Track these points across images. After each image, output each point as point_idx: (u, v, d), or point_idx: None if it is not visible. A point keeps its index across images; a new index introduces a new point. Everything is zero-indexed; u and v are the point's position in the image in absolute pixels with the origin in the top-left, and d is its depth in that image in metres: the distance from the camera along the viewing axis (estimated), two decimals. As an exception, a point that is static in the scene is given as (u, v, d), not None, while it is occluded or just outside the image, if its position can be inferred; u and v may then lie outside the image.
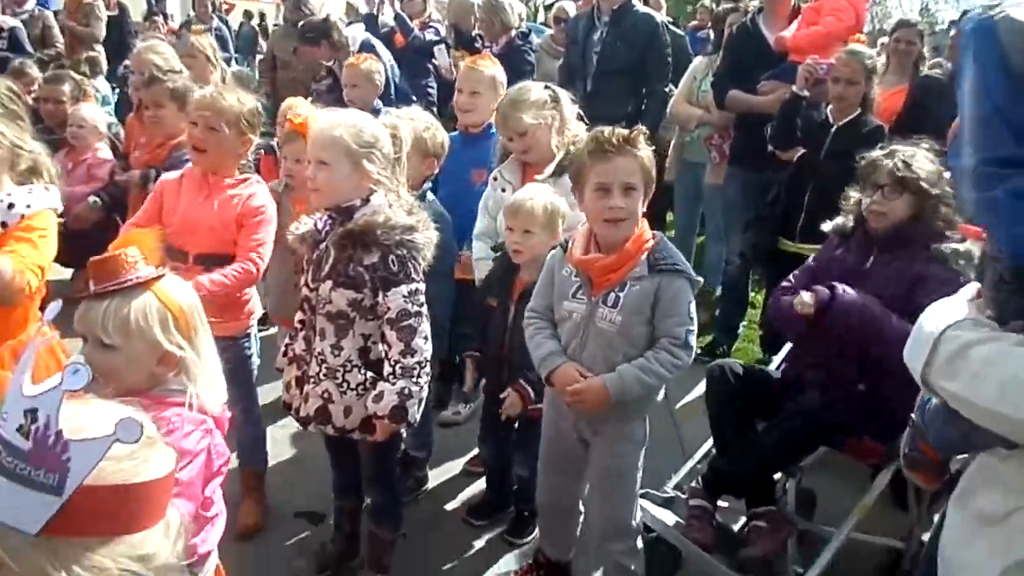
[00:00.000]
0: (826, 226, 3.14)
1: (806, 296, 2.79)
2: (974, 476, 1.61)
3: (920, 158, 2.87)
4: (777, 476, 2.97)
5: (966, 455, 1.68)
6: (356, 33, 6.38)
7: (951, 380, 1.48)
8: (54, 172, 2.53)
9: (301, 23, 6.29)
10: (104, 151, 4.82)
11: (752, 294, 5.28)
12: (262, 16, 17.77)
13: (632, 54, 4.69)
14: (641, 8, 4.79)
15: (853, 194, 3.06)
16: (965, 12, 4.92)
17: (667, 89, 4.90)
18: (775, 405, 2.92)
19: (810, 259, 3.18)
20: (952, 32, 4.20)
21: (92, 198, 4.49)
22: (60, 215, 4.11)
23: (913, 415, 1.85)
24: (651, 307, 2.39)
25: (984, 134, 1.54)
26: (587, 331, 2.46)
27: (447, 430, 3.85)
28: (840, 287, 2.77)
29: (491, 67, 3.68)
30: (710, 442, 3.11)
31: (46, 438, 0.81)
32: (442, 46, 6.49)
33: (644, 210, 2.44)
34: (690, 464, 3.15)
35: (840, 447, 2.90)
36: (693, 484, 2.90)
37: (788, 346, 3.28)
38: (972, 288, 1.67)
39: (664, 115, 5.11)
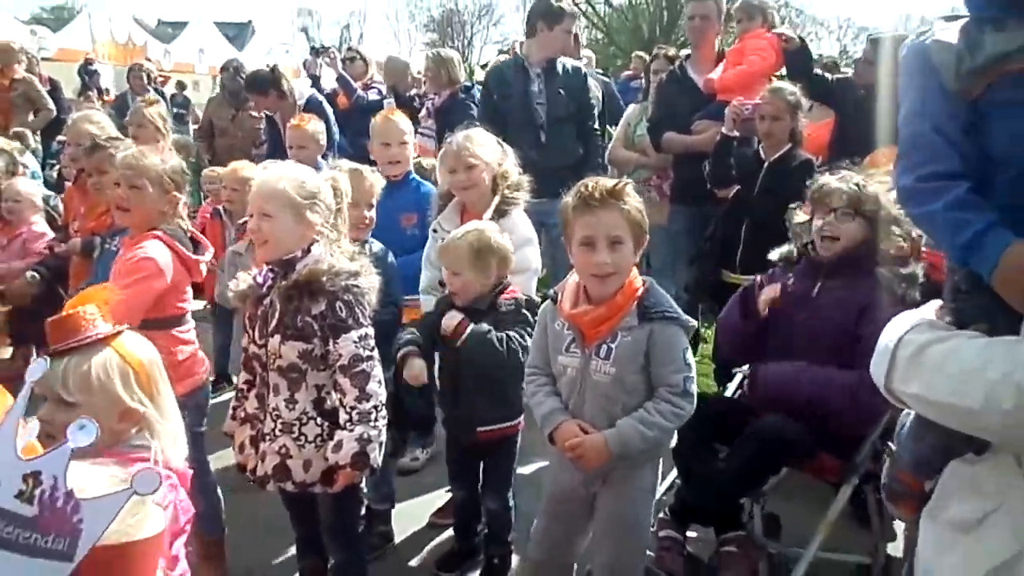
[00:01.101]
0: (772, 254, 3.20)
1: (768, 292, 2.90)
2: (946, 484, 1.61)
3: (876, 180, 2.94)
4: (742, 501, 2.99)
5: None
6: (303, 88, 6.46)
7: (910, 383, 1.50)
8: None
9: (248, 73, 6.38)
10: (40, 224, 4.72)
11: (703, 329, 5.36)
12: (196, 85, 17.78)
13: (572, 103, 4.86)
14: (565, 59, 4.98)
15: (798, 218, 3.14)
16: (870, 35, 5.16)
17: (595, 127, 5.07)
18: (735, 430, 2.95)
19: (749, 282, 3.23)
20: (864, 49, 4.43)
21: (30, 272, 4.38)
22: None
23: (890, 444, 1.88)
24: (644, 355, 2.34)
25: (922, 152, 1.62)
26: (583, 385, 2.42)
27: (408, 479, 3.79)
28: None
29: (403, 119, 3.88)
30: (674, 472, 3.12)
31: (54, 500, 0.77)
32: (391, 102, 6.60)
33: (636, 260, 2.40)
34: (656, 495, 3.15)
35: (800, 467, 2.93)
36: (661, 515, 2.90)
37: (739, 377, 3.33)
38: (932, 305, 1.72)
39: (601, 152, 5.24)
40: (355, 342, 2.40)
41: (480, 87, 5.62)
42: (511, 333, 2.77)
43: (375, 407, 2.41)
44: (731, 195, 4.28)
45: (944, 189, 1.59)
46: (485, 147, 3.26)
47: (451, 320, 2.82)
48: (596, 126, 5.03)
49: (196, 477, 2.93)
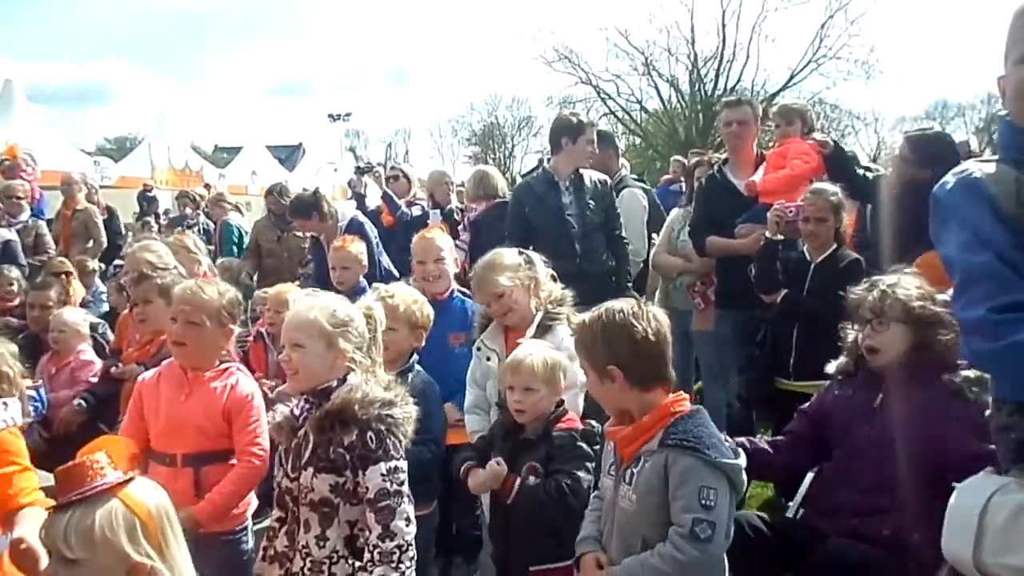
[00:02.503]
0: (829, 368, 3.10)
1: None
2: None
3: (904, 283, 2.85)
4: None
5: None
6: (346, 209, 6.63)
7: (1014, 554, 1.33)
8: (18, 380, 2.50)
9: (292, 198, 6.58)
10: (88, 353, 4.80)
11: (759, 435, 5.14)
12: (248, 205, 18.42)
13: (600, 213, 4.93)
14: (592, 173, 5.09)
15: (850, 333, 3.02)
16: (906, 132, 5.10)
17: (622, 235, 5.11)
18: (801, 554, 2.75)
19: (806, 405, 3.10)
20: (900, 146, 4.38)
21: (77, 400, 4.42)
22: (43, 422, 4.06)
23: None
24: (664, 487, 2.17)
25: (990, 283, 1.53)
26: (613, 511, 2.32)
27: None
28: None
29: (441, 236, 3.94)
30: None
31: None
32: (436, 213, 6.77)
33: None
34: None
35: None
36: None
37: (804, 487, 3.15)
38: (988, 469, 1.60)
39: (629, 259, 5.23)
40: (383, 475, 2.31)
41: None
42: (564, 480, 2.61)
43: (399, 547, 2.28)
44: (779, 299, 4.18)
45: (1020, 320, 1.48)
46: (508, 269, 3.24)
47: (496, 475, 2.68)
48: (623, 234, 5.09)
49: None
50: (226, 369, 2.94)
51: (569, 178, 4.93)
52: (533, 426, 2.75)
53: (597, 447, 2.72)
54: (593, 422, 2.86)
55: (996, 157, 1.69)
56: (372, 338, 2.53)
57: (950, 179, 1.70)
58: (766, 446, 3.04)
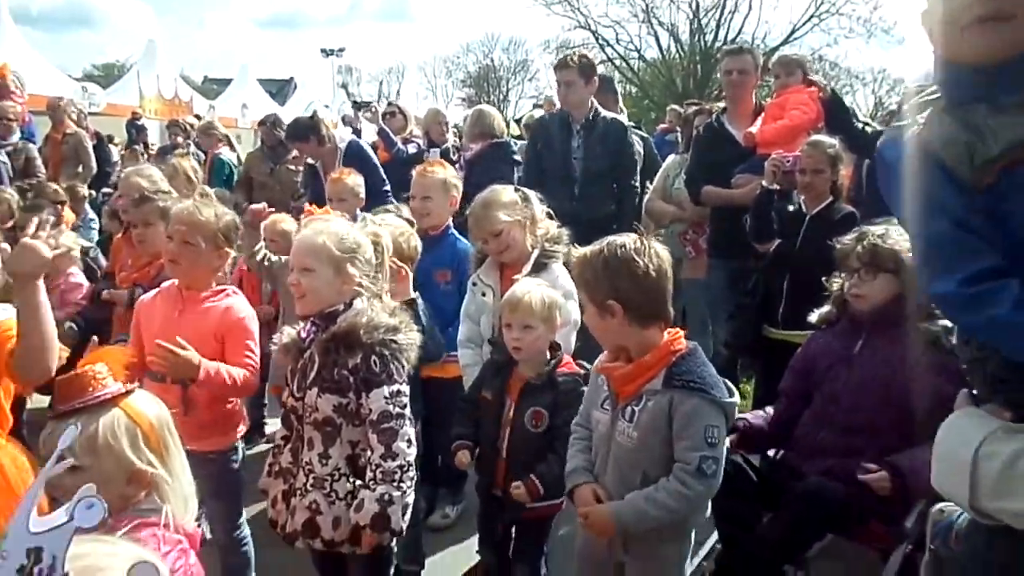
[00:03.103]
0: (812, 317, 3.16)
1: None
2: None
3: (893, 234, 2.90)
4: (785, 568, 2.87)
5: None
6: (343, 134, 6.56)
7: (1010, 499, 1.35)
8: None
9: (289, 122, 6.50)
10: (77, 276, 4.80)
11: (743, 383, 5.24)
12: (238, 139, 18.19)
13: (609, 157, 4.90)
14: (607, 114, 5.03)
15: (835, 281, 3.08)
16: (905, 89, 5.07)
17: (635, 184, 5.07)
18: (777, 493, 2.85)
19: (792, 360, 3.17)
20: (898, 103, 4.37)
21: (68, 324, 4.42)
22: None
23: (931, 544, 1.72)
24: (668, 425, 2.23)
25: (954, 252, 1.47)
26: (609, 445, 2.35)
27: (439, 540, 3.70)
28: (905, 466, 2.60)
29: (441, 171, 3.84)
30: (715, 536, 3.00)
31: None
32: (436, 152, 6.71)
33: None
34: (696, 560, 3.03)
35: (846, 533, 2.81)
36: (701, 582, 2.79)
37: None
38: (965, 396, 1.58)
39: (638, 209, 5.24)
40: (386, 398, 2.36)
41: (516, 141, 5.67)
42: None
43: (400, 467, 2.34)
44: (772, 249, 4.22)
45: (1001, 291, 1.42)
46: (505, 207, 3.24)
47: (520, 493, 2.67)
48: (635, 183, 5.03)
49: (228, 529, 2.95)
50: (222, 291, 2.96)
51: (583, 118, 4.87)
52: (533, 367, 2.78)
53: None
54: (586, 364, 2.92)
55: (936, 98, 1.59)
56: (379, 264, 2.56)
57: (895, 137, 1.61)
58: (762, 423, 3.12)
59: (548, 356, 2.80)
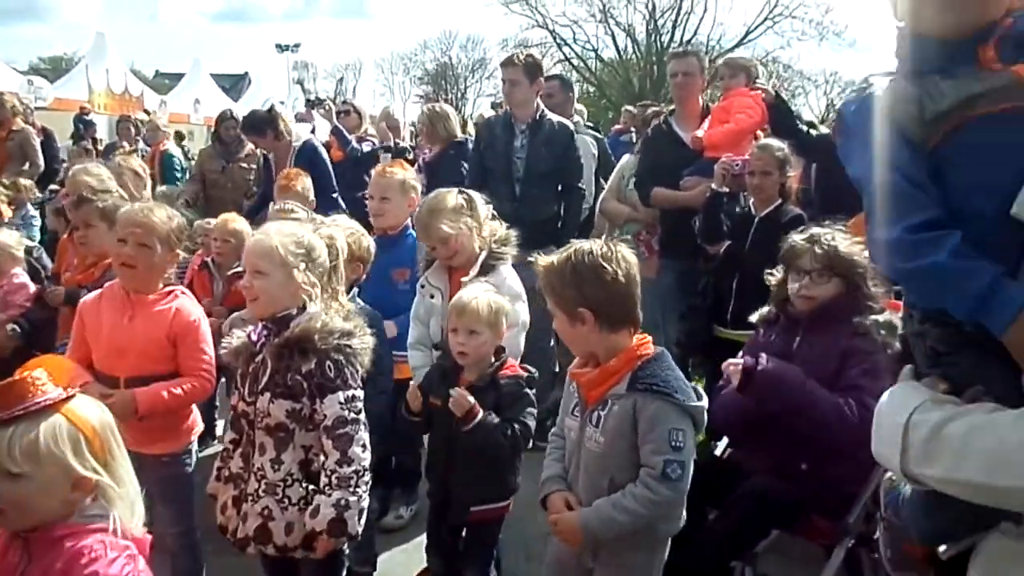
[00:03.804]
0: (753, 317, 3.23)
1: (734, 364, 2.84)
2: (990, 566, 1.51)
3: (840, 239, 2.97)
4: (733, 564, 2.92)
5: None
6: (301, 131, 6.48)
7: (932, 465, 1.42)
8: None
9: (246, 114, 6.42)
10: (21, 276, 4.67)
11: (693, 382, 5.31)
12: (190, 135, 17.90)
13: (554, 160, 4.88)
14: (555, 117, 5.04)
15: (773, 275, 3.15)
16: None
17: (581, 186, 5.09)
18: (724, 491, 2.91)
19: (739, 356, 3.23)
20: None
21: (10, 325, 4.31)
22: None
23: (883, 514, 1.78)
24: (633, 429, 2.22)
25: (902, 203, 1.54)
26: (579, 452, 2.34)
27: (391, 542, 3.70)
28: (763, 357, 2.80)
29: (400, 172, 3.85)
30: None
31: None
32: (387, 154, 6.67)
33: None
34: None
35: (791, 529, 2.89)
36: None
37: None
38: (908, 370, 1.65)
39: (582, 210, 5.25)
40: (341, 403, 2.36)
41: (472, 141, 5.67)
42: (516, 425, 2.71)
43: (356, 472, 2.34)
44: (722, 250, 4.29)
45: (943, 238, 1.48)
46: (450, 214, 3.22)
47: (463, 403, 2.69)
48: (581, 185, 5.03)
49: (181, 533, 2.93)
50: (170, 292, 2.93)
51: (526, 121, 4.89)
52: (478, 372, 2.79)
53: (535, 391, 2.82)
54: (531, 368, 2.94)
55: (894, 70, 1.65)
56: (333, 267, 2.55)
57: (854, 97, 1.70)
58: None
59: (492, 359, 2.82)
